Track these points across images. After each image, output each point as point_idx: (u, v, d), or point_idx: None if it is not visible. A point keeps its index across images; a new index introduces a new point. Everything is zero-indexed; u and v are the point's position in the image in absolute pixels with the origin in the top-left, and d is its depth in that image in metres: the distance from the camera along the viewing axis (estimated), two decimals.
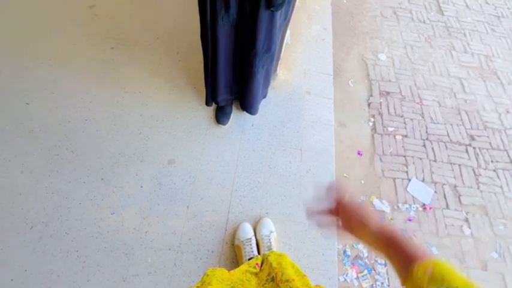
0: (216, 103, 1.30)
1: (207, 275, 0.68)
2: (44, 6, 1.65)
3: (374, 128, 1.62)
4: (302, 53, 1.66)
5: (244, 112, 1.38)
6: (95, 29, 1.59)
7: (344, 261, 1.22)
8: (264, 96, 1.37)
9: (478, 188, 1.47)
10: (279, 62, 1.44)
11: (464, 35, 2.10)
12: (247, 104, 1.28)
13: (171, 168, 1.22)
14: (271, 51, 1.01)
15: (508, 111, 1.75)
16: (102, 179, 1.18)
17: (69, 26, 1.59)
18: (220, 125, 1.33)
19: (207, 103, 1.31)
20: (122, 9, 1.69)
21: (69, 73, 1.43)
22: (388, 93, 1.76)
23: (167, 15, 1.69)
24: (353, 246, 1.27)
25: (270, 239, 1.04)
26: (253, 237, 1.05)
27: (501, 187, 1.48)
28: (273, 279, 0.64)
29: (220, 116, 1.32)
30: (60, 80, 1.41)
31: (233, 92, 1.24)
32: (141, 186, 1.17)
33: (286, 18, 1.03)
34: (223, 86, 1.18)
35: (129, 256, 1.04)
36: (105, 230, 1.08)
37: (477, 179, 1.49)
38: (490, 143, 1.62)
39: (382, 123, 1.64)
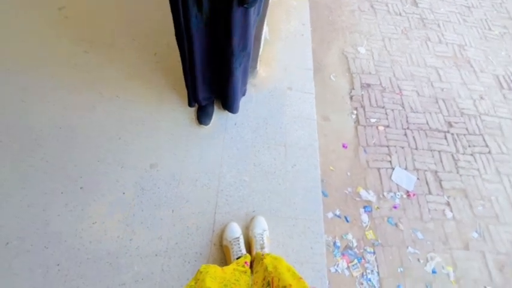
0: (198, 103, 1.28)
1: (201, 272, 0.67)
2: (8, 8, 1.56)
3: (357, 120, 1.65)
4: (282, 49, 1.66)
5: (226, 111, 1.37)
6: (65, 31, 1.52)
7: (334, 253, 1.24)
8: (243, 94, 1.36)
9: (458, 173, 1.53)
10: (259, 59, 1.43)
11: (438, 25, 2.17)
12: (227, 103, 1.27)
13: (154, 172, 1.19)
14: (247, 49, 1.01)
15: (481, 98, 1.83)
16: (81, 188, 1.13)
17: (38, 29, 1.51)
18: (202, 126, 1.31)
19: (190, 104, 1.28)
20: (94, 10, 1.62)
21: (40, 79, 1.36)
22: (369, 85, 1.79)
23: (142, 16, 1.64)
24: (342, 237, 1.29)
25: (262, 238, 1.04)
26: (241, 236, 1.05)
27: (478, 170, 1.55)
28: (269, 284, 0.63)
29: (202, 116, 1.30)
30: (31, 86, 1.34)
31: (213, 90, 1.23)
32: (123, 193, 1.14)
33: (260, 14, 1.02)
34: (203, 85, 1.17)
35: (113, 265, 1.01)
36: (87, 240, 1.04)
37: (456, 164, 1.55)
38: (467, 129, 1.69)
39: (365, 115, 1.67)
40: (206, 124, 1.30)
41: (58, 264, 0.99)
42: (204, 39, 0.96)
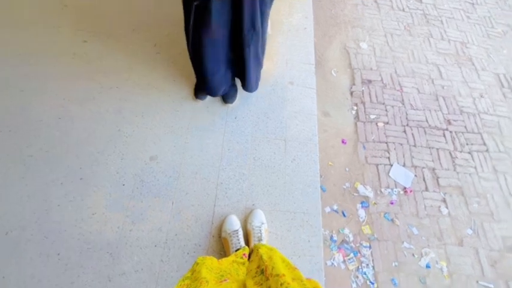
0: (210, 87, 1.26)
1: (197, 264, 0.68)
2: None
3: (357, 116, 1.65)
4: (284, 42, 1.64)
5: (227, 105, 1.37)
6: (64, 20, 1.50)
7: (331, 246, 1.26)
8: (259, 79, 1.36)
9: (455, 170, 1.54)
10: None
11: (442, 22, 2.15)
12: (243, 79, 1.25)
13: (154, 164, 1.20)
14: (256, 29, 1.00)
15: (481, 96, 1.83)
16: (81, 178, 1.13)
17: (37, 18, 1.49)
18: (198, 100, 1.33)
19: (197, 95, 1.31)
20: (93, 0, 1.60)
21: (40, 69, 1.35)
22: (370, 81, 1.79)
23: (142, 6, 1.61)
24: (339, 231, 1.31)
25: (260, 230, 1.05)
26: (240, 229, 1.06)
27: (475, 168, 1.56)
28: (262, 272, 0.64)
29: (198, 92, 1.32)
30: (30, 76, 1.32)
31: (230, 78, 1.25)
32: (123, 184, 1.14)
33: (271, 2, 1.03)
34: (217, 69, 1.15)
35: (113, 255, 1.02)
36: (86, 230, 1.05)
37: (453, 162, 1.57)
38: (466, 127, 1.70)
39: (365, 111, 1.67)
40: (201, 99, 1.32)
41: (58, 254, 1.01)
42: (220, 19, 0.96)
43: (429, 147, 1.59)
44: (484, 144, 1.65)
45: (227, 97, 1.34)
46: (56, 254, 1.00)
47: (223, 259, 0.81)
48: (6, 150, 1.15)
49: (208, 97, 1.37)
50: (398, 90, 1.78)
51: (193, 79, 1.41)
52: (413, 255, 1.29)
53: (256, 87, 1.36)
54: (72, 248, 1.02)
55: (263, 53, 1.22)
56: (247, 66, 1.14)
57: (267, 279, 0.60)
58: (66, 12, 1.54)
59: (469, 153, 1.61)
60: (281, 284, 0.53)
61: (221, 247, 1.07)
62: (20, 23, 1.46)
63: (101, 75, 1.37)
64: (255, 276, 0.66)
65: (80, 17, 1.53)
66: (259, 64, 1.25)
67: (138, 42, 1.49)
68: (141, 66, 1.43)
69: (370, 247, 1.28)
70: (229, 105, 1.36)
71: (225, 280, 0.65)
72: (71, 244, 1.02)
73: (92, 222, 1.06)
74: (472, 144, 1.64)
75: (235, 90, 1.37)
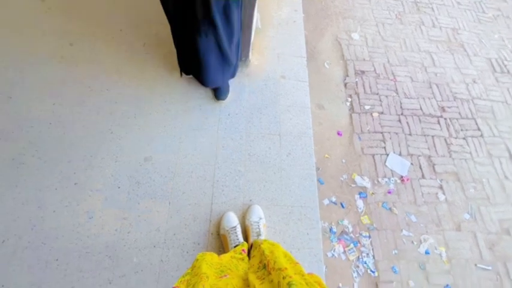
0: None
1: (197, 260, 0.68)
2: None
3: (352, 108, 1.64)
4: (274, 36, 1.63)
5: (220, 101, 1.35)
6: (49, 24, 1.47)
7: (331, 238, 1.27)
8: (233, 76, 1.32)
9: (450, 156, 1.55)
10: (251, 48, 1.41)
11: (432, 9, 2.14)
12: (204, 82, 1.23)
13: (149, 165, 1.19)
14: (214, 21, 0.96)
15: (474, 82, 1.83)
16: (75, 183, 1.12)
17: (21, 22, 1.46)
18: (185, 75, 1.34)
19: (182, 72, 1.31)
20: (78, 0, 1.56)
21: (27, 74, 1.32)
22: (363, 72, 1.78)
23: (128, 5, 1.59)
24: (338, 222, 1.31)
25: (259, 226, 1.05)
26: (238, 226, 1.06)
27: (470, 153, 1.57)
28: (264, 267, 0.64)
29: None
30: (17, 82, 1.30)
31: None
32: (119, 187, 1.13)
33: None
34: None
35: (113, 258, 1.02)
36: (84, 235, 1.04)
37: (449, 148, 1.57)
38: (460, 113, 1.70)
39: (359, 102, 1.67)
40: (187, 74, 1.32)
41: (57, 259, 1.00)
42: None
43: (424, 135, 1.60)
44: (479, 129, 1.66)
45: (219, 94, 1.32)
46: (54, 260, 1.00)
47: (223, 255, 0.81)
48: None
49: (201, 95, 1.36)
50: (391, 80, 1.77)
51: (185, 78, 1.39)
52: (412, 242, 1.30)
53: (225, 95, 1.32)
54: (71, 252, 1.01)
55: (235, 50, 1.15)
56: (203, 59, 1.08)
57: (269, 273, 0.60)
58: (50, 15, 1.50)
59: (463, 139, 1.61)
60: (283, 278, 0.53)
61: (220, 244, 1.07)
62: (3, 29, 1.43)
63: (90, 78, 1.35)
64: (258, 271, 0.66)
65: (64, 19, 1.50)
66: (226, 62, 1.16)
67: (126, 42, 1.47)
68: (130, 67, 1.40)
69: (369, 237, 1.29)
70: (222, 102, 1.35)
71: (225, 276, 0.64)
72: (69, 249, 1.02)
73: (89, 226, 1.06)
74: (466, 130, 1.65)
75: (227, 87, 1.35)
